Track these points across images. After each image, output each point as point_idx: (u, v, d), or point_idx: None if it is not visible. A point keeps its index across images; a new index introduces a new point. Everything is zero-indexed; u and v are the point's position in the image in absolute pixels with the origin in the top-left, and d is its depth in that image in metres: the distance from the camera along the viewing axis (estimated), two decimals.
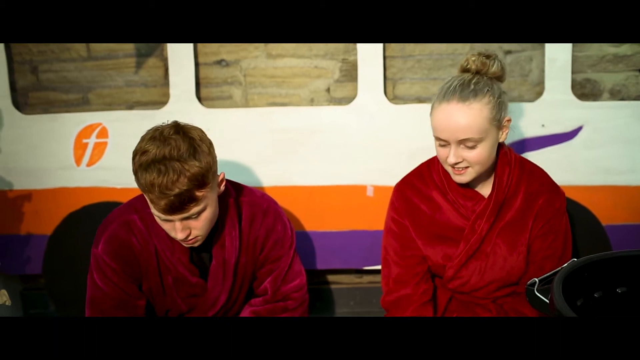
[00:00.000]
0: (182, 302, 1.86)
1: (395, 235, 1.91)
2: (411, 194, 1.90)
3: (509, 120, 1.78)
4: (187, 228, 1.66)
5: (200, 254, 1.84)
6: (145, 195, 1.64)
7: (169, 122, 1.68)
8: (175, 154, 1.59)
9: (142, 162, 1.61)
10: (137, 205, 1.82)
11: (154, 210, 1.65)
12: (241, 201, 1.85)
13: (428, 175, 1.90)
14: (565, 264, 1.40)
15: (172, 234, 1.69)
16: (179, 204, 1.60)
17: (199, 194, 1.62)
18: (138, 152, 1.63)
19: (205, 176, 1.63)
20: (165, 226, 1.68)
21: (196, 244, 1.73)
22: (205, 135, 1.69)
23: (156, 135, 1.63)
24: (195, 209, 1.63)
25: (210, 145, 1.68)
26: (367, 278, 2.68)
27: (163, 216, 1.63)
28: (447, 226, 1.86)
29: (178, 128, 1.65)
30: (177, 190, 1.58)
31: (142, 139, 1.66)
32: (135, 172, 1.63)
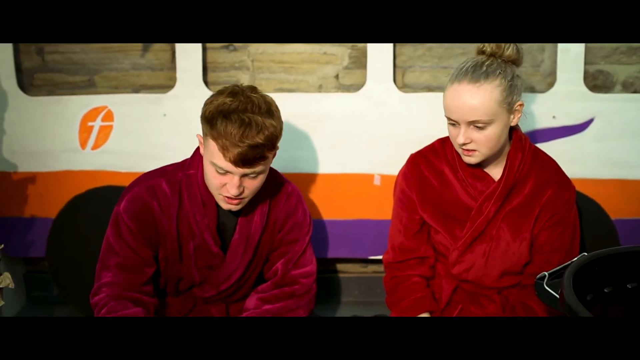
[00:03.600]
0: (197, 272, 1.86)
1: (403, 206, 1.94)
2: (424, 166, 1.92)
3: (522, 105, 1.79)
4: (241, 186, 1.69)
5: (225, 226, 1.85)
6: (213, 143, 1.65)
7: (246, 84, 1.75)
8: (257, 110, 1.65)
9: (222, 110, 1.64)
10: (168, 169, 1.84)
11: (216, 160, 1.66)
12: (271, 181, 1.87)
13: (441, 151, 1.92)
14: (576, 258, 1.39)
15: (220, 192, 1.71)
16: (252, 157, 1.64)
17: (268, 154, 1.69)
18: (216, 101, 1.67)
19: (277, 139, 1.70)
20: (219, 180, 1.69)
21: (239, 206, 1.75)
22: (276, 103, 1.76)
23: (237, 91, 1.69)
24: (259, 168, 1.68)
25: (280, 113, 1.74)
26: (372, 267, 2.67)
27: (228, 167, 1.65)
28: (454, 204, 1.87)
29: (257, 90, 1.72)
30: (254, 143, 1.62)
31: (220, 92, 1.70)
32: (210, 118, 1.65)
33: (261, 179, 1.73)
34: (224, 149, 1.63)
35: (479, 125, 1.73)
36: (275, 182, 1.89)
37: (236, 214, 1.83)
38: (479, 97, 1.71)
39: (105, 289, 1.78)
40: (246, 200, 1.75)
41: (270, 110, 1.68)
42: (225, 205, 1.74)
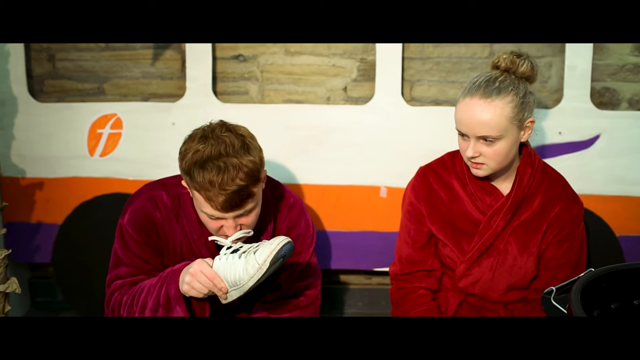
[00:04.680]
0: None
1: (411, 218, 1.95)
2: (433, 179, 1.93)
3: (533, 122, 1.80)
4: (237, 225, 1.67)
5: None
6: (198, 194, 1.63)
7: (214, 122, 1.69)
8: (231, 151, 1.61)
9: (196, 160, 1.61)
10: (168, 182, 1.84)
11: (205, 209, 1.64)
12: (273, 195, 1.87)
13: (451, 165, 1.93)
14: (583, 274, 1.40)
15: (219, 233, 1.69)
16: (239, 201, 1.61)
17: (254, 189, 1.64)
18: (190, 151, 1.63)
19: (259, 171, 1.66)
20: (214, 224, 1.67)
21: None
22: (250, 131, 1.71)
23: (207, 134, 1.64)
24: (250, 205, 1.65)
25: (256, 140, 1.70)
26: (376, 279, 2.67)
27: (218, 214, 1.64)
28: (462, 218, 1.88)
29: (227, 126, 1.67)
30: (236, 187, 1.59)
31: (191, 138, 1.66)
32: (188, 171, 1.62)
33: (256, 212, 1.70)
34: (209, 199, 1.61)
35: (489, 139, 1.74)
36: (277, 195, 1.89)
37: None
38: (490, 113, 1.72)
39: (117, 292, 1.78)
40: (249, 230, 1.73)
41: (245, 145, 1.64)
42: (229, 240, 1.71)
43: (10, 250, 1.96)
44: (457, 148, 1.90)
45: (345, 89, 2.50)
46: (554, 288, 1.44)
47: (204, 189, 1.60)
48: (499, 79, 1.75)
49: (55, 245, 2.48)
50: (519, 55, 1.77)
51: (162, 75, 2.53)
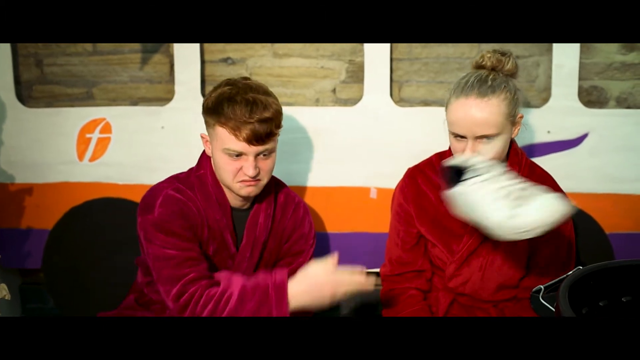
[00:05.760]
0: None
1: (400, 219, 1.96)
2: (421, 180, 1.94)
3: (521, 117, 1.82)
4: (257, 167, 1.75)
5: (235, 229, 1.87)
6: (222, 130, 1.72)
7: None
8: (257, 92, 1.75)
9: (225, 96, 1.73)
10: (179, 176, 1.88)
11: (228, 144, 1.72)
12: (277, 189, 1.93)
13: (439, 165, 1.92)
14: (571, 272, 1.40)
15: (237, 177, 1.75)
16: (263, 133, 1.71)
17: (276, 130, 1.76)
18: (214, 93, 1.76)
19: (281, 115, 1.79)
20: (234, 166, 1.74)
21: (257, 189, 1.79)
22: None
23: (232, 82, 1.78)
24: (270, 145, 1.76)
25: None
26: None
27: (242, 147, 1.71)
28: (451, 219, 1.89)
29: (250, 78, 1.83)
30: (263, 117, 1.71)
31: (217, 86, 1.79)
32: (215, 107, 1.73)
33: (273, 158, 1.80)
34: (235, 130, 1.70)
35: (488, 138, 1.74)
36: (281, 191, 1.94)
37: (245, 216, 1.85)
38: (487, 112, 1.72)
39: (190, 285, 1.71)
40: (262, 183, 1.79)
41: (268, 92, 1.78)
42: (244, 191, 1.77)
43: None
44: (445, 149, 1.91)
45: (334, 90, 2.50)
46: (542, 287, 1.45)
47: (232, 119, 1.70)
48: (490, 77, 1.75)
49: (45, 250, 2.47)
50: (503, 54, 1.79)
51: (150, 79, 2.53)
